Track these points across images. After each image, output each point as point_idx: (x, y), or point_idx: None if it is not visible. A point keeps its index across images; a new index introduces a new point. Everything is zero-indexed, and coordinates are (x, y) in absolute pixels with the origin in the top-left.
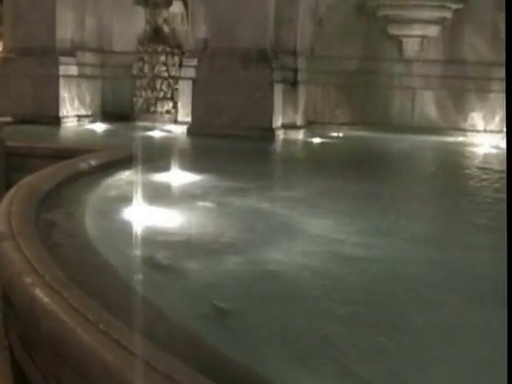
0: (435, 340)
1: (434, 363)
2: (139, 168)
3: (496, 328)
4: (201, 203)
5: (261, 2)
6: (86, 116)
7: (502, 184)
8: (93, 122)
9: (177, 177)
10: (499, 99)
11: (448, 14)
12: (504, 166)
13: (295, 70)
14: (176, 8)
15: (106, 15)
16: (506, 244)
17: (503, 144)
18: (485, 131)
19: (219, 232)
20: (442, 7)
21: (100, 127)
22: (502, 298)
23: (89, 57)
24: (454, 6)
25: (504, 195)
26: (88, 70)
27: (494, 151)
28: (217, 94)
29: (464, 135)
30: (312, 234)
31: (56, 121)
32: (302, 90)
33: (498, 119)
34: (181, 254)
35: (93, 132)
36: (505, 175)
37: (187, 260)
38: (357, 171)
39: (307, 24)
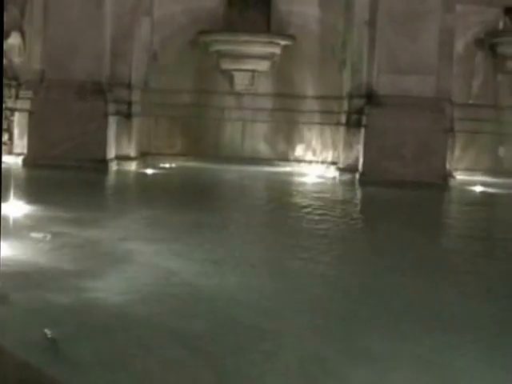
0: None
1: None
2: None
3: None
4: (33, 234)
5: (96, 35)
6: None
7: (324, 211)
8: None
9: (9, 208)
10: (325, 131)
11: (277, 50)
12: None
13: (129, 103)
14: (13, 39)
15: None
16: None
17: (328, 174)
18: (310, 162)
19: (51, 263)
20: (272, 43)
21: None
22: None
23: None
24: (283, 42)
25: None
26: None
27: (320, 180)
28: (52, 125)
29: (292, 166)
30: (142, 263)
31: None
32: (136, 122)
33: (324, 150)
34: (12, 285)
35: None
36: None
37: (18, 291)
38: (186, 201)
39: (142, 57)
